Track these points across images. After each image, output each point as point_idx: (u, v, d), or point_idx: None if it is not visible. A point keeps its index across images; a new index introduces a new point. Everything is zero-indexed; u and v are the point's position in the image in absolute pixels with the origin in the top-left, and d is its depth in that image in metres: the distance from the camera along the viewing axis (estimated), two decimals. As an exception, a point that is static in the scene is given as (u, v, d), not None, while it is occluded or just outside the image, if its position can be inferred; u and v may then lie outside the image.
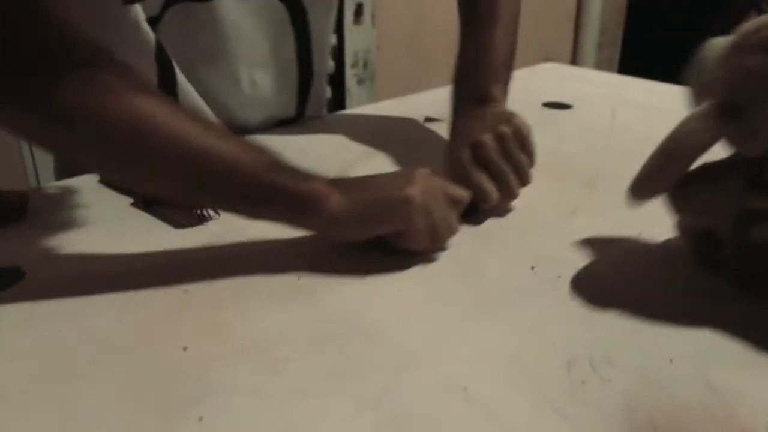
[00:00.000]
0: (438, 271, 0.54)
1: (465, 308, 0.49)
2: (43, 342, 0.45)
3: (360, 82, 1.96)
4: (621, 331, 0.46)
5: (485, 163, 0.62)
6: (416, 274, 0.53)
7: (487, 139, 0.62)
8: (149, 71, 0.72)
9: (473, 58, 0.72)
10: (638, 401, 0.40)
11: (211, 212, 0.61)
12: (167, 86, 0.73)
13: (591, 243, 0.57)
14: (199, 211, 0.61)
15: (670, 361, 0.43)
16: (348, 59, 1.92)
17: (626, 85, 1.10)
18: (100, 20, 0.66)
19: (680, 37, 2.29)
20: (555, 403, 0.39)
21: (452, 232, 0.56)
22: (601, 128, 0.88)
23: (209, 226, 0.60)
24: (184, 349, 0.44)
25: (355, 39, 1.92)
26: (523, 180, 0.63)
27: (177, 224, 0.60)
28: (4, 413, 0.38)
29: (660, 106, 0.97)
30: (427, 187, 0.54)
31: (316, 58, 0.85)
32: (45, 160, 1.54)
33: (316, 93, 0.89)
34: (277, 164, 0.52)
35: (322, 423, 0.38)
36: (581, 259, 0.55)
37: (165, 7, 0.71)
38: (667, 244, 0.57)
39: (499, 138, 0.62)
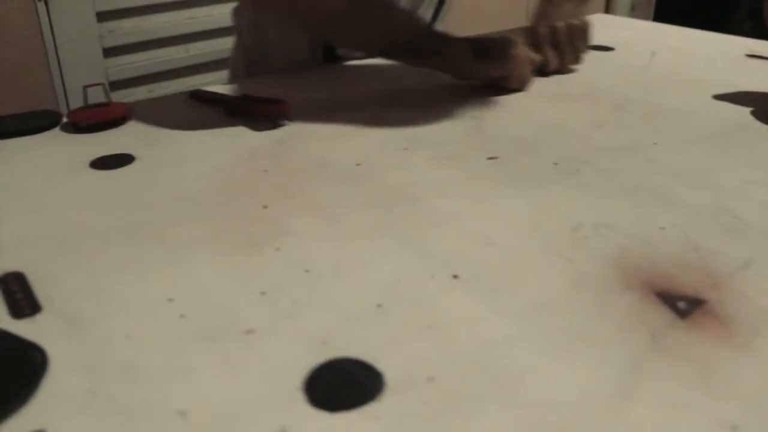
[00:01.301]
0: (472, 162, 0.63)
1: (492, 187, 0.58)
2: (151, 200, 0.57)
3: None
4: (624, 208, 0.55)
5: (555, 41, 0.90)
6: (454, 164, 0.63)
7: (561, 26, 0.90)
8: None
9: None
10: (628, 251, 0.49)
11: (285, 120, 0.72)
12: None
13: (610, 148, 0.66)
14: (275, 118, 0.72)
15: (662, 228, 0.52)
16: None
17: (668, 32, 1.16)
18: None
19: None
20: (559, 250, 0.49)
21: (531, 82, 0.85)
22: (638, 67, 0.95)
23: (283, 129, 0.71)
24: (264, 206, 0.55)
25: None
26: (577, 60, 0.93)
27: (256, 128, 0.71)
28: (120, 248, 0.50)
29: (697, 50, 1.03)
30: (522, 50, 0.83)
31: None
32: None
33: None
34: (432, 31, 0.81)
35: (371, 256, 0.48)
36: (598, 159, 0.63)
37: None
38: (681, 149, 0.65)
39: (569, 27, 0.90)
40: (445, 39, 0.79)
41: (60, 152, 0.67)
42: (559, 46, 0.91)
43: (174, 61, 1.88)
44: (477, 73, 0.82)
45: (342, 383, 0.36)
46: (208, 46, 1.92)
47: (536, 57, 0.86)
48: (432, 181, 0.60)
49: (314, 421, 0.33)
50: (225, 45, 1.92)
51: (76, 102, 1.76)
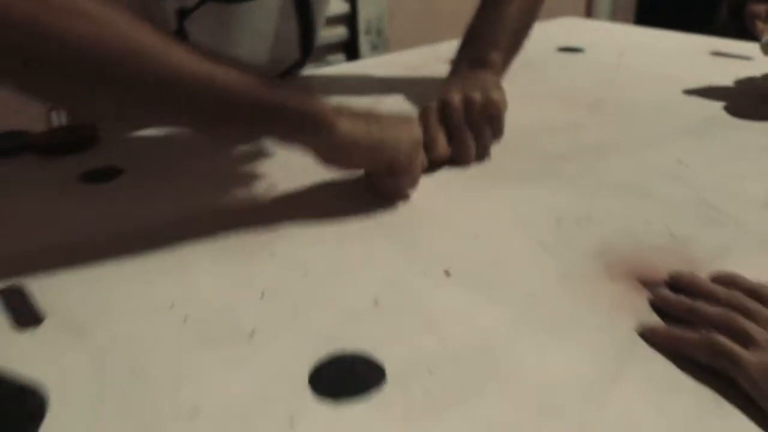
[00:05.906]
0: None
1: (475, 185, 0.61)
2: (144, 213, 0.57)
3: (374, 48, 2.01)
4: (606, 202, 0.57)
5: (446, 121, 0.64)
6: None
7: (455, 99, 0.64)
8: None
9: (481, 25, 0.76)
10: (612, 244, 0.50)
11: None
12: None
13: (592, 147, 0.68)
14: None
15: (646, 222, 0.54)
16: (362, 26, 1.96)
17: (636, 33, 1.19)
18: None
19: (695, 3, 2.32)
20: (545, 244, 0.51)
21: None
22: (608, 67, 0.97)
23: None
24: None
25: (369, 6, 1.97)
26: (480, 150, 0.64)
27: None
28: (119, 257, 0.51)
29: (667, 51, 1.06)
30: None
31: (316, 31, 0.85)
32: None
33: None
34: (278, 86, 0.50)
35: (369, 256, 0.50)
36: (582, 155, 0.66)
37: (201, 3, 0.70)
38: (660, 146, 0.68)
39: (468, 102, 0.64)
40: (304, 97, 0.50)
41: None
42: (451, 125, 0.64)
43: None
44: (352, 158, 0.54)
45: (345, 376, 0.37)
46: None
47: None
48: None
49: (320, 411, 0.35)
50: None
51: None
